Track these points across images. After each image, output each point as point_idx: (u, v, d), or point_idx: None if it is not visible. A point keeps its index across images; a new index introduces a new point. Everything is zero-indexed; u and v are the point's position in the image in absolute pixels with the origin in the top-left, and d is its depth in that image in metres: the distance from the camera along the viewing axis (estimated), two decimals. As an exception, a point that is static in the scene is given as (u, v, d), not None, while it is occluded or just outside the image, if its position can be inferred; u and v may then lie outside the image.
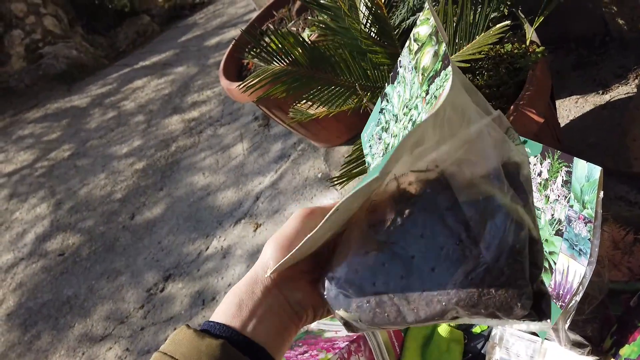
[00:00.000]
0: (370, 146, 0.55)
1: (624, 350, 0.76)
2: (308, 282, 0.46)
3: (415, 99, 0.47)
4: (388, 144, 0.52)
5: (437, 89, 0.42)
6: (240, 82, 0.97)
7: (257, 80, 0.94)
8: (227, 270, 1.90)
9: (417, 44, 0.47)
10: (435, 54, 0.44)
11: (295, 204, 1.93)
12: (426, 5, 0.46)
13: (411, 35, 0.49)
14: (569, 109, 1.41)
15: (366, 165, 0.56)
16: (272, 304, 0.44)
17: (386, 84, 0.54)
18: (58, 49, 5.09)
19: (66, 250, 2.59)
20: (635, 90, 1.30)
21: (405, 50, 0.50)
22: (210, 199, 2.32)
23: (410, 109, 0.48)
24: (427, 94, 0.44)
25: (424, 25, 0.47)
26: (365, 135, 0.57)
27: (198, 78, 3.57)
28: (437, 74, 0.43)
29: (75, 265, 2.46)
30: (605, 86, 1.37)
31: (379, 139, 0.53)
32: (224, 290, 1.83)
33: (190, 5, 5.61)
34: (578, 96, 1.42)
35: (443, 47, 0.43)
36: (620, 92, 1.33)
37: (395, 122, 0.51)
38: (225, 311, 0.43)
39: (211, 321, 0.43)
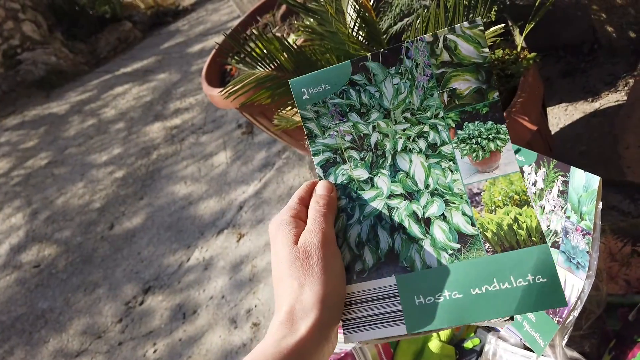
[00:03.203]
0: (316, 110, 0.50)
1: (625, 368, 0.73)
2: None
3: (435, 117, 0.46)
4: (366, 135, 0.49)
5: (484, 140, 0.44)
6: (222, 88, 0.93)
7: (239, 86, 0.90)
8: (209, 282, 1.84)
9: (451, 56, 0.45)
10: (481, 92, 0.44)
11: (280, 214, 1.89)
12: (480, 26, 0.44)
13: (440, 35, 0.45)
14: (558, 117, 1.40)
15: (305, 130, 0.50)
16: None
17: (369, 57, 0.48)
18: (37, 55, 4.99)
19: (42, 262, 2.50)
20: (624, 97, 1.28)
21: (422, 44, 0.46)
22: (192, 209, 2.26)
23: (420, 121, 0.47)
24: (457, 127, 0.45)
25: (471, 45, 0.45)
26: (305, 90, 0.50)
27: (180, 85, 3.52)
28: (478, 116, 0.44)
29: (51, 277, 2.38)
30: (594, 94, 1.36)
31: (342, 116, 0.49)
32: (206, 304, 1.77)
33: (173, 12, 5.55)
34: (567, 104, 1.40)
35: (495, 95, 0.43)
36: (610, 99, 1.31)
37: (385, 118, 0.48)
38: None
39: None
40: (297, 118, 1.02)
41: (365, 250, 0.47)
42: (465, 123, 0.45)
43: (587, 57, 1.45)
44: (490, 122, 0.44)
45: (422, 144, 0.47)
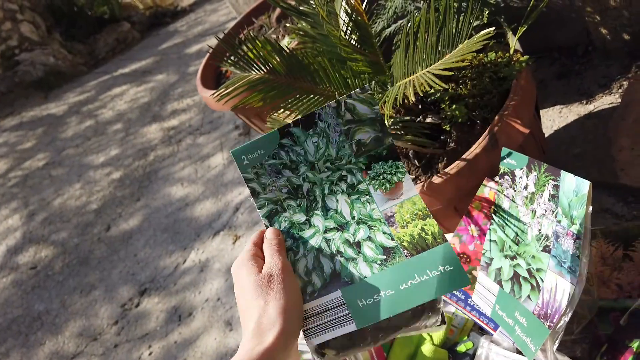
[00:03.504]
0: (256, 172, 0.62)
1: (615, 373, 0.72)
2: None
3: (349, 163, 0.61)
4: (299, 185, 0.61)
5: (389, 174, 0.59)
6: (214, 91, 0.93)
7: (231, 88, 0.89)
8: (204, 284, 1.84)
9: (352, 115, 0.60)
10: (378, 139, 0.60)
11: (276, 216, 1.88)
12: (368, 90, 0.61)
13: (341, 101, 0.60)
14: (552, 119, 1.39)
15: (249, 190, 0.62)
16: None
17: (292, 124, 0.62)
18: (35, 56, 4.98)
19: (38, 264, 2.50)
20: (619, 100, 1.28)
21: (329, 109, 0.60)
22: (189, 210, 2.26)
23: (339, 168, 0.61)
24: (367, 168, 0.60)
25: (365, 105, 0.60)
26: (244, 157, 0.62)
27: (178, 86, 3.51)
28: (380, 157, 0.59)
29: (48, 279, 2.37)
30: (589, 96, 1.36)
31: (277, 174, 0.62)
32: (201, 306, 1.77)
33: (172, 13, 5.55)
34: (562, 106, 1.40)
35: (389, 140, 0.60)
36: (604, 102, 1.31)
37: (311, 169, 0.61)
38: None
39: None
40: (290, 121, 1.02)
41: (312, 276, 0.59)
42: (373, 164, 0.60)
43: (581, 59, 1.45)
44: (390, 161, 0.59)
45: (343, 185, 0.61)
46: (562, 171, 0.70)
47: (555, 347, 0.71)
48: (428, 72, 0.82)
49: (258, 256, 0.57)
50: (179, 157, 2.69)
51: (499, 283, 0.82)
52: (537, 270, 0.76)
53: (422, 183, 0.95)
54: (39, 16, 5.38)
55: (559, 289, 0.72)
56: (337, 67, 0.95)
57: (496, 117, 0.92)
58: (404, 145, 0.96)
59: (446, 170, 0.92)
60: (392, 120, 1.03)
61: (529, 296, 0.76)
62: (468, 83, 1.01)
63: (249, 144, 0.62)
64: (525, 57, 0.98)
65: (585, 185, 0.66)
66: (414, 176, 1.04)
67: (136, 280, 2.08)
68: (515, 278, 0.79)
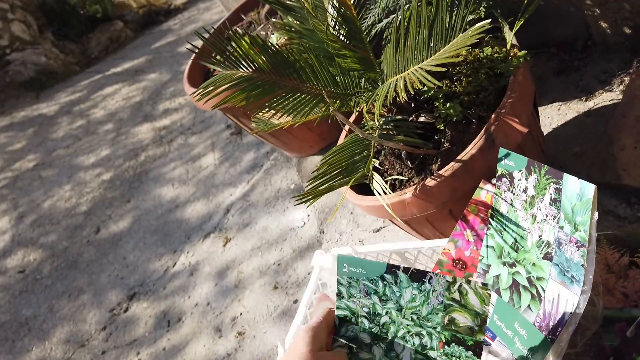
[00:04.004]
0: (349, 281, 0.64)
1: (622, 388, 0.68)
2: None
3: (432, 328, 0.61)
4: (379, 314, 0.64)
5: None
6: (195, 90, 0.88)
7: (212, 87, 0.84)
8: (194, 288, 1.79)
9: (460, 298, 0.59)
10: (472, 330, 0.59)
11: (267, 217, 1.83)
12: (489, 290, 0.61)
13: (458, 281, 0.59)
14: (551, 117, 1.35)
15: (337, 289, 0.65)
16: None
17: (401, 269, 0.62)
18: (26, 56, 4.91)
19: (27, 267, 2.44)
20: (620, 96, 1.23)
21: (443, 281, 0.60)
22: (179, 212, 2.21)
23: (421, 325, 0.61)
24: (446, 343, 0.60)
25: (478, 299, 0.59)
26: (347, 265, 0.64)
27: (170, 85, 3.46)
28: (464, 344, 0.59)
29: (36, 283, 2.32)
30: (588, 92, 1.31)
31: (366, 294, 0.64)
32: (190, 311, 1.72)
33: (165, 11, 5.48)
34: (560, 103, 1.35)
35: (482, 337, 0.59)
36: (604, 98, 1.26)
37: (396, 310, 0.63)
38: None
39: None
40: (276, 121, 0.97)
41: None
42: (453, 344, 0.60)
43: (580, 55, 1.40)
44: (470, 352, 0.59)
45: (416, 340, 0.62)
46: (564, 174, 0.66)
47: (557, 361, 0.67)
48: (420, 68, 0.77)
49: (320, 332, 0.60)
50: (170, 157, 2.64)
51: (497, 291, 0.77)
52: (538, 278, 0.71)
53: (415, 185, 0.90)
54: (31, 15, 5.31)
55: (561, 299, 0.67)
56: (324, 64, 0.90)
57: (493, 116, 0.87)
58: (396, 145, 0.91)
59: (440, 172, 0.87)
60: (383, 119, 0.98)
61: (529, 306, 0.71)
62: (463, 80, 0.96)
63: (357, 259, 0.65)
64: (523, 52, 0.93)
65: (590, 189, 0.61)
66: (406, 178, 0.99)
67: (125, 284, 2.03)
68: (515, 286, 0.74)
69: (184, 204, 2.24)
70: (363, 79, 0.95)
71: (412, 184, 0.96)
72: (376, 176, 0.87)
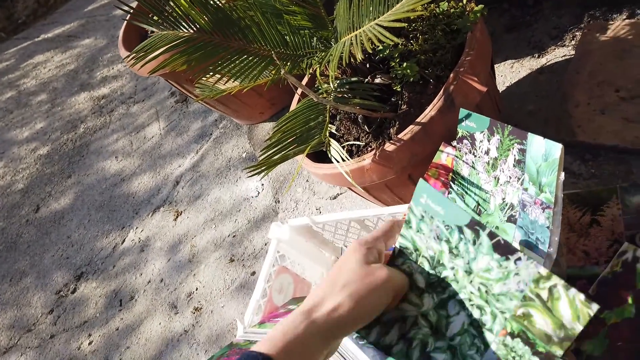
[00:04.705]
0: (423, 217, 0.56)
1: (586, 346, 0.68)
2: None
3: (499, 310, 0.50)
4: (443, 265, 0.55)
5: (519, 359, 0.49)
6: (129, 54, 0.79)
7: (148, 50, 0.76)
8: (145, 265, 1.72)
9: (549, 299, 0.47)
10: (549, 338, 0.47)
11: (219, 188, 1.76)
12: (593, 310, 0.44)
13: (553, 280, 0.47)
14: (504, 75, 1.33)
15: (405, 217, 0.58)
16: (309, 344, 0.47)
17: (488, 230, 0.52)
18: (-57, 21, 4.49)
19: (-40, 252, 2.28)
20: (572, 52, 1.22)
21: (534, 271, 0.48)
22: (125, 186, 2.10)
23: (487, 301, 0.51)
24: (511, 335, 0.49)
25: (571, 310, 0.45)
26: (425, 196, 0.56)
27: (107, 51, 3.24)
28: (531, 344, 0.48)
29: (-28, 268, 2.17)
30: (541, 49, 1.30)
31: (437, 238, 0.55)
32: (143, 288, 1.65)
33: (98, -29, 5.11)
34: (513, 60, 1.33)
35: (559, 352, 0.46)
36: (557, 54, 1.25)
37: (465, 271, 0.53)
38: (270, 338, 0.46)
39: (253, 351, 0.45)
40: (222, 86, 0.90)
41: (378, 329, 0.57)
42: (518, 339, 0.49)
43: (532, 10, 1.38)
44: (536, 358, 0.47)
45: (475, 313, 0.52)
46: (529, 134, 0.63)
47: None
48: (377, 24, 0.71)
49: (376, 246, 0.54)
50: (111, 128, 2.49)
51: (460, 257, 0.75)
52: (502, 242, 0.69)
53: (373, 151, 0.86)
54: (-55, -24, 4.83)
55: (526, 262, 0.65)
56: (272, 22, 0.83)
57: (451, 75, 0.83)
58: (352, 109, 0.87)
59: (399, 136, 0.83)
60: (338, 82, 0.92)
61: (493, 271, 0.70)
62: (419, 37, 0.92)
63: (440, 196, 0.55)
64: (480, 6, 0.89)
65: (556, 148, 0.58)
66: (363, 143, 0.94)
67: (71, 264, 1.92)
68: (478, 252, 0.72)
69: (129, 177, 2.13)
70: (315, 38, 0.89)
71: (369, 149, 0.92)
72: (333, 142, 0.83)
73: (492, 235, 0.51)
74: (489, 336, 0.51)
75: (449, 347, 0.53)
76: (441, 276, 0.55)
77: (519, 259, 0.49)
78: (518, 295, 0.49)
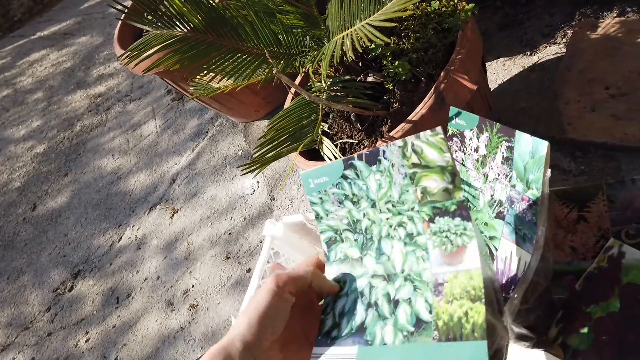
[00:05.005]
0: (321, 197, 0.60)
1: (573, 340, 0.69)
2: (279, 350, 0.50)
3: (410, 210, 0.53)
4: (358, 220, 0.58)
5: (453, 234, 0.50)
6: (123, 52, 0.80)
7: (141, 49, 0.77)
8: (142, 263, 1.73)
9: (419, 159, 0.51)
10: (448, 191, 0.50)
11: (215, 185, 1.77)
12: (440, 134, 0.49)
13: (408, 142, 0.52)
14: (496, 73, 1.34)
15: (313, 213, 0.61)
16: None
17: (356, 157, 0.56)
18: (-62, 19, 4.48)
19: (-43, 250, 2.29)
20: (563, 50, 1.24)
21: (395, 148, 0.53)
22: (122, 184, 2.10)
23: (400, 212, 0.54)
24: (430, 220, 0.51)
25: (434, 150, 0.50)
26: (311, 181, 0.60)
27: (103, 49, 3.24)
28: (447, 213, 0.50)
29: (-31, 266, 2.18)
30: (533, 47, 1.31)
31: (340, 203, 0.59)
32: (140, 286, 1.66)
33: (94, -32, 5.10)
34: (506, 58, 1.34)
35: (461, 195, 0.49)
36: (548, 52, 1.27)
37: (372, 207, 0.57)
38: None
39: None
40: (215, 85, 0.91)
41: (343, 320, 0.55)
42: (437, 217, 0.51)
43: (524, 8, 1.39)
44: (458, 219, 0.49)
45: (402, 232, 0.54)
46: (517, 131, 0.64)
47: (511, 319, 0.67)
48: (368, 24, 0.73)
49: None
50: (108, 126, 2.49)
51: (451, 253, 0.76)
52: (491, 238, 0.70)
53: (365, 148, 0.87)
54: (-60, -26, 4.82)
55: (513, 257, 0.67)
56: (265, 21, 0.84)
57: (442, 73, 0.84)
58: (345, 107, 0.88)
59: (391, 133, 0.84)
60: (331, 80, 0.93)
61: (482, 266, 0.71)
62: (411, 36, 0.93)
63: (315, 169, 0.60)
64: (471, 5, 0.90)
65: (543, 146, 0.59)
66: (356, 141, 0.96)
67: (68, 262, 1.93)
68: (468, 247, 0.73)
69: (126, 175, 2.14)
70: (308, 37, 0.90)
71: (362, 147, 0.93)
72: (326, 141, 0.84)
73: (360, 157, 0.56)
74: (421, 239, 0.52)
75: (406, 279, 0.53)
76: (364, 230, 0.57)
77: (384, 151, 0.54)
78: (407, 182, 0.52)
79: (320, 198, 0.60)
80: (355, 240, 0.58)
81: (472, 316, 0.46)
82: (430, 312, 0.49)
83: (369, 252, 0.56)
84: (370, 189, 0.56)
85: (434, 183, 0.51)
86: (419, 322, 0.50)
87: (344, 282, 0.57)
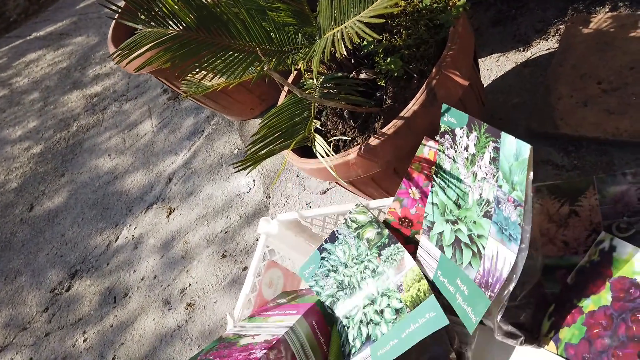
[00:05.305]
0: (315, 280, 0.89)
1: (564, 334, 0.69)
2: None
3: (367, 255, 0.83)
4: (341, 280, 0.85)
5: (394, 255, 0.80)
6: (115, 50, 0.80)
7: (132, 48, 0.77)
8: (139, 262, 1.73)
9: (356, 224, 0.84)
10: (379, 233, 0.82)
11: (211, 184, 1.77)
12: (360, 204, 0.85)
13: (347, 217, 0.85)
14: (490, 69, 1.34)
15: (313, 290, 0.90)
16: None
17: (323, 243, 0.88)
18: None
19: (-45, 252, 2.29)
20: (556, 45, 1.24)
21: (342, 226, 0.86)
22: (118, 184, 2.11)
23: (362, 261, 0.83)
24: (379, 255, 0.81)
25: (362, 215, 0.84)
26: (305, 273, 0.90)
27: (99, 49, 3.24)
28: (385, 245, 0.81)
29: (-33, 267, 2.18)
30: (526, 42, 1.31)
31: (326, 276, 0.87)
32: (137, 285, 1.66)
33: (89, -32, 5.09)
34: (499, 54, 1.35)
35: (386, 231, 0.82)
36: (541, 47, 1.27)
37: (345, 267, 0.85)
38: None
39: None
40: (208, 82, 0.91)
41: (356, 341, 0.81)
42: (382, 251, 0.81)
43: (517, 4, 1.39)
44: (392, 245, 0.80)
45: (368, 272, 0.82)
46: (502, 132, 0.64)
47: (499, 317, 0.67)
48: (358, 20, 0.73)
49: None
50: (104, 126, 2.49)
51: (441, 248, 0.77)
52: (479, 236, 0.71)
53: (358, 145, 0.88)
54: None
55: (500, 257, 0.67)
56: (257, 18, 0.84)
57: (434, 70, 0.84)
58: (337, 105, 0.88)
59: (383, 130, 0.85)
60: (323, 77, 0.94)
61: (470, 263, 0.71)
62: (403, 33, 0.93)
63: (304, 264, 0.90)
64: (462, 1, 0.91)
65: (525, 149, 0.60)
66: (350, 138, 0.96)
67: (65, 262, 1.94)
68: (457, 244, 0.74)
69: (122, 175, 2.14)
70: (299, 35, 0.90)
71: (356, 143, 0.94)
72: (318, 138, 0.84)
73: (326, 241, 0.87)
74: (380, 269, 0.81)
75: (382, 295, 0.80)
76: (347, 284, 0.85)
77: (337, 230, 0.86)
78: (356, 241, 0.85)
79: (315, 280, 0.88)
80: (346, 294, 0.84)
81: (421, 288, 0.75)
82: (401, 301, 0.77)
83: (355, 294, 0.83)
84: (339, 257, 0.85)
85: (370, 233, 0.82)
86: (397, 311, 0.77)
87: (347, 323, 0.83)
